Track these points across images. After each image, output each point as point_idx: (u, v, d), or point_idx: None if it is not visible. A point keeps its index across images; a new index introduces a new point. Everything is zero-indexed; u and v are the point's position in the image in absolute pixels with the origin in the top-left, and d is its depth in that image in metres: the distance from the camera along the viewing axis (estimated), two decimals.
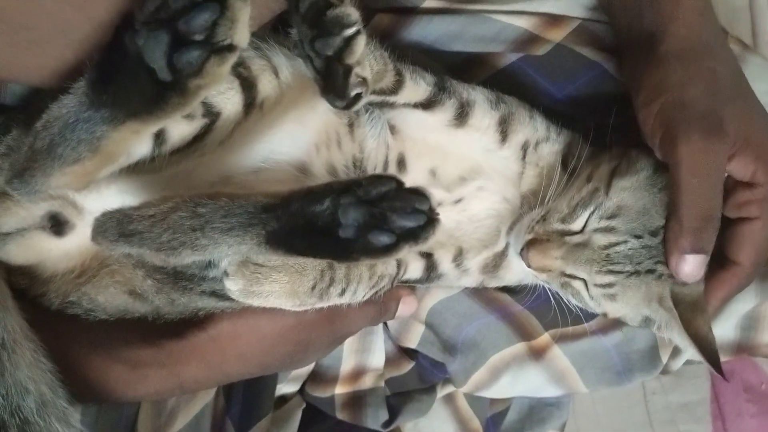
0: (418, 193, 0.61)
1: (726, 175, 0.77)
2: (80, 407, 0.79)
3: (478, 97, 0.82)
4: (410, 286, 0.91)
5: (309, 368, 1.02)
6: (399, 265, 0.86)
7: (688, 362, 1.00)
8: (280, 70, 0.77)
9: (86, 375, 0.68)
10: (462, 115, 0.81)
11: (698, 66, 0.77)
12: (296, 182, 0.77)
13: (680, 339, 0.79)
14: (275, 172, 0.77)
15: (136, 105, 0.60)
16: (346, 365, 1.01)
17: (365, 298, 0.80)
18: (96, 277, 0.72)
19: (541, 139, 0.85)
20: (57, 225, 0.70)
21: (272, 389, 0.98)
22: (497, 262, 0.89)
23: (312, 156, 0.80)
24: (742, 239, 0.79)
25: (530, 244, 0.79)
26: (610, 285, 0.79)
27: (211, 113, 0.73)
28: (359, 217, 0.60)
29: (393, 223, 0.60)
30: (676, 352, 0.97)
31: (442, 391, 1.06)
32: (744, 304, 0.92)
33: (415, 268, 0.87)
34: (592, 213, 0.78)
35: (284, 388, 1.02)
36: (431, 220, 0.61)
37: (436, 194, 0.85)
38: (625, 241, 0.77)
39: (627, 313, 0.84)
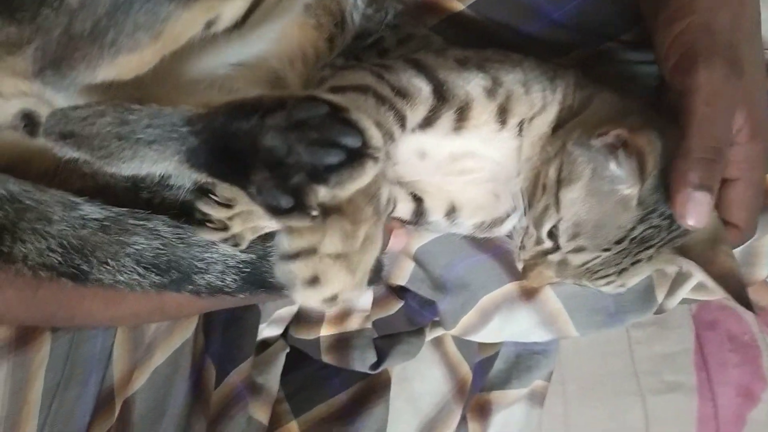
0: (350, 125, 0.52)
1: None
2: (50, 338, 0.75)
3: (475, 91, 0.77)
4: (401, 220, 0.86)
5: (293, 310, 0.97)
6: (388, 198, 0.81)
7: (683, 301, 0.98)
8: None
9: (57, 292, 0.62)
10: (461, 119, 0.76)
11: None
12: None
13: (707, 281, 0.75)
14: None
15: None
16: None
17: None
18: (66, 178, 0.66)
19: (536, 113, 0.79)
20: (31, 124, 0.63)
21: (254, 330, 0.93)
22: (494, 224, 0.85)
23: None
24: (729, 201, 0.76)
25: (524, 272, 0.80)
26: (610, 283, 0.78)
27: None
28: (276, 148, 0.52)
29: (298, 156, 0.51)
30: (672, 289, 0.95)
31: (430, 335, 1.02)
32: None
33: (403, 208, 0.83)
34: (554, 232, 0.76)
35: (267, 331, 0.97)
36: (359, 158, 0.52)
37: (427, 168, 0.80)
38: (598, 256, 0.75)
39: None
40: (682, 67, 0.71)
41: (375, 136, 0.52)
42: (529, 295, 0.95)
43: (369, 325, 0.98)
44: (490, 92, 0.77)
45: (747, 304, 0.74)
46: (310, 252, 0.57)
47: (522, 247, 0.81)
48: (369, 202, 0.61)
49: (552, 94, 0.79)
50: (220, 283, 0.67)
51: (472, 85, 0.76)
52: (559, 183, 0.75)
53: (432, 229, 0.87)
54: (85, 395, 0.78)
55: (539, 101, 0.79)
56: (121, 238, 0.64)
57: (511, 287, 0.94)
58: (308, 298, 0.58)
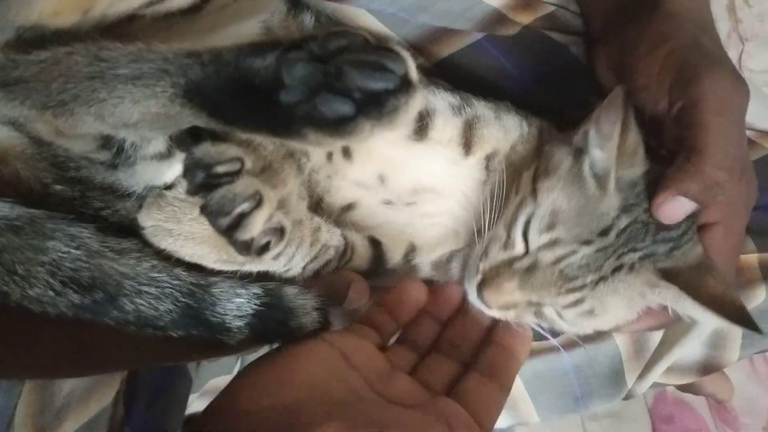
0: (392, 51, 0.45)
1: None
2: None
3: (439, 104, 0.73)
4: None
5: (227, 380, 0.86)
6: (346, 244, 0.74)
7: (654, 385, 0.91)
8: None
9: None
10: (422, 128, 0.72)
11: (703, 20, 0.72)
12: None
13: (696, 312, 0.66)
14: None
15: None
16: None
17: (304, 269, 0.69)
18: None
19: (515, 142, 0.75)
20: None
21: (183, 401, 0.81)
22: (450, 257, 0.79)
23: None
24: (705, 249, 0.69)
25: (482, 287, 0.70)
26: (579, 302, 0.68)
27: None
28: (308, 75, 0.43)
29: (351, 81, 0.43)
30: (643, 374, 0.88)
31: None
32: None
33: (361, 256, 0.76)
34: (527, 226, 0.69)
35: (198, 403, 0.84)
36: (405, 85, 0.44)
37: (385, 195, 0.75)
38: (574, 252, 0.67)
39: (622, 317, 0.71)
40: (681, 81, 0.66)
41: (412, 66, 0.45)
42: None
43: None
44: (457, 109, 0.74)
45: (749, 324, 0.66)
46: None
47: (484, 255, 0.72)
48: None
49: (528, 127, 0.76)
50: (152, 312, 0.56)
51: (437, 98, 0.73)
52: (536, 178, 0.71)
53: (388, 277, 0.79)
54: None
55: (514, 128, 0.75)
56: (34, 242, 0.53)
57: None
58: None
